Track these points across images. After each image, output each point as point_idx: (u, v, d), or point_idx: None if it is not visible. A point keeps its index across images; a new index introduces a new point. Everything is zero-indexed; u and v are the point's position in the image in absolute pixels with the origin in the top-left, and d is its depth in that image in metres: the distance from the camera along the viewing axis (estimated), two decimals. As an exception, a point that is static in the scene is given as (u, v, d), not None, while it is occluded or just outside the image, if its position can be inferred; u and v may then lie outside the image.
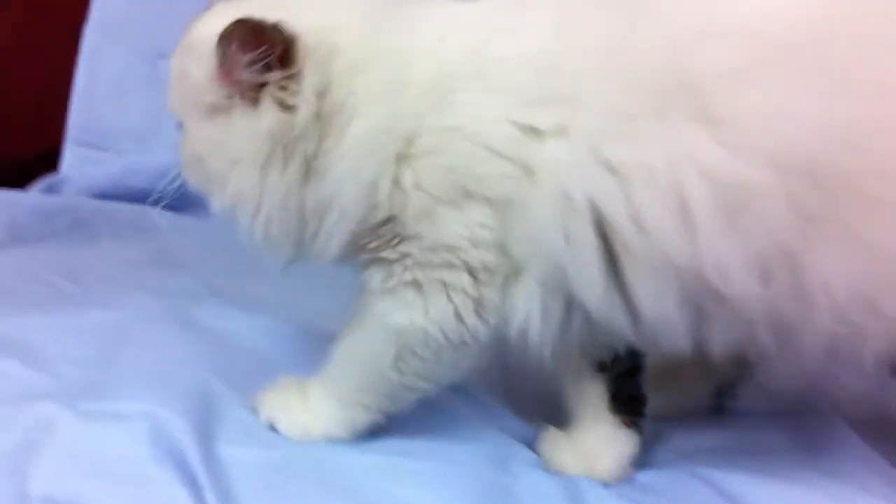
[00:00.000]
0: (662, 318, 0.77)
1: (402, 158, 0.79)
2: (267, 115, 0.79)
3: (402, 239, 0.81)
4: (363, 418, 0.88)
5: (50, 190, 1.68)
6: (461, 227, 0.79)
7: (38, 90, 1.81)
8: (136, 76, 1.79)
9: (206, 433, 0.84)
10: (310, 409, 0.89)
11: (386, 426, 0.90)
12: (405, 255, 0.82)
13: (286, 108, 0.79)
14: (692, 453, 0.94)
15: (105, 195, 1.65)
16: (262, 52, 0.77)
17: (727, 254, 0.73)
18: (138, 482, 0.77)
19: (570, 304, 0.80)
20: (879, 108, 0.71)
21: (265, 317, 1.14)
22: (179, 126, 0.86)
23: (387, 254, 0.82)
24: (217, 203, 0.85)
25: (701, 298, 0.76)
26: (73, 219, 1.54)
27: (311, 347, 0.97)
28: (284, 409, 0.89)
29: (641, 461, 0.91)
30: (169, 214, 1.59)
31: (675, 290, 0.76)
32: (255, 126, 0.80)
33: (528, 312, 0.81)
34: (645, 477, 0.90)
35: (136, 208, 1.60)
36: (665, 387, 0.99)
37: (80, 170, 1.72)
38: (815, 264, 0.72)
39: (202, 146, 0.83)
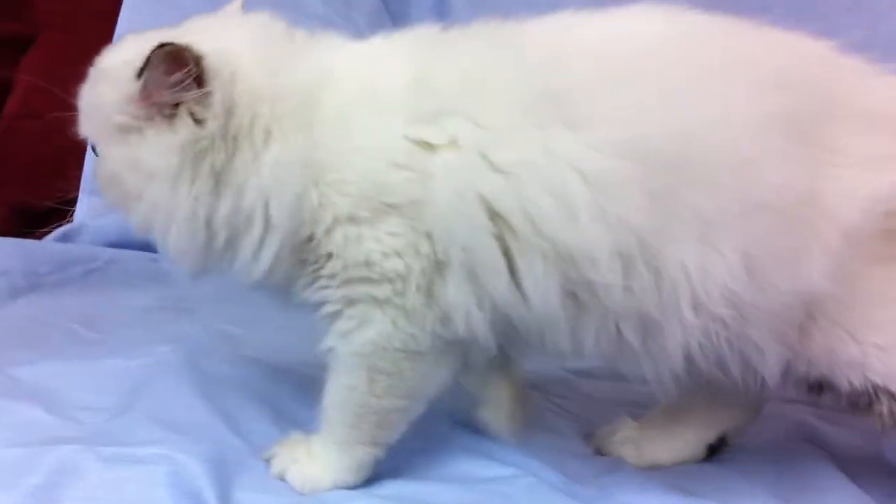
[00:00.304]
0: (547, 309, 0.84)
1: (316, 181, 0.86)
2: (182, 129, 0.85)
3: (326, 258, 0.87)
4: (364, 456, 0.91)
5: (65, 239, 1.71)
6: (371, 241, 0.86)
7: (54, 143, 1.84)
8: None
9: (221, 478, 0.87)
10: (315, 460, 0.91)
11: (391, 472, 0.92)
12: (333, 275, 0.87)
13: (198, 122, 0.85)
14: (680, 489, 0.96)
15: (118, 244, 1.69)
16: (185, 73, 0.83)
17: (597, 241, 0.81)
18: (156, 524, 0.79)
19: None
20: (702, 110, 0.82)
21: (275, 364, 1.16)
22: (93, 149, 0.92)
23: (320, 273, 0.88)
24: (134, 219, 0.89)
25: (578, 289, 0.84)
26: (88, 267, 1.58)
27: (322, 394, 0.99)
28: (293, 463, 0.92)
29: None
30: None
31: (557, 280, 0.83)
32: (169, 141, 0.85)
33: (466, 307, 0.86)
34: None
35: (148, 257, 1.63)
36: (665, 434, 1.03)
37: (93, 220, 1.75)
38: (673, 255, 0.81)
39: (118, 165, 0.88)
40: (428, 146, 0.85)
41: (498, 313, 0.86)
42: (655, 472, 0.99)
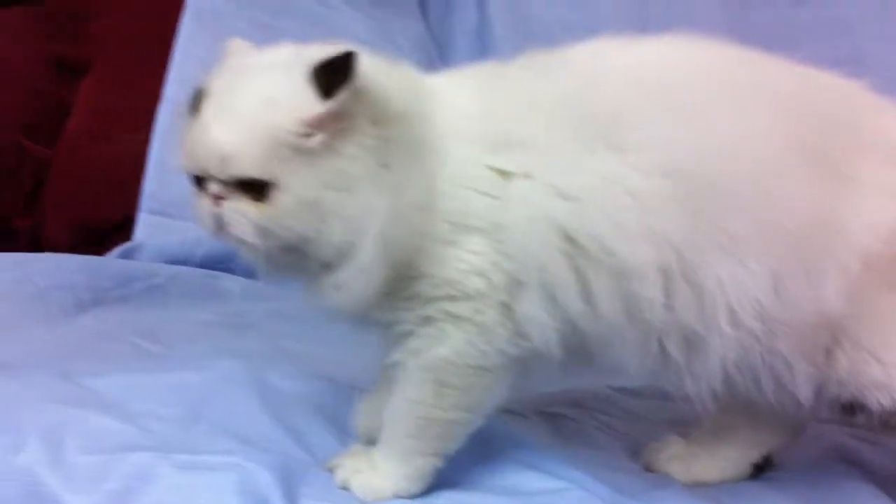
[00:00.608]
0: (614, 320, 0.89)
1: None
2: (366, 134, 0.86)
3: (413, 279, 0.90)
4: (424, 466, 0.94)
5: (125, 256, 1.76)
6: (458, 260, 0.90)
7: (116, 163, 1.91)
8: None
9: (288, 487, 0.89)
10: (377, 470, 0.95)
11: (446, 484, 0.96)
12: (417, 295, 0.91)
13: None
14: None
15: (178, 261, 1.73)
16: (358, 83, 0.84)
17: (645, 257, 0.86)
18: (227, 529, 0.82)
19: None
20: (730, 137, 0.88)
21: (335, 379, 1.20)
22: (265, 189, 0.84)
23: (402, 294, 0.91)
24: (326, 245, 0.86)
25: (630, 304, 0.88)
26: (150, 283, 1.61)
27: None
28: (356, 472, 0.95)
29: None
30: (239, 280, 1.70)
31: (621, 296, 0.88)
32: (363, 144, 0.86)
33: (542, 321, 0.90)
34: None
35: (206, 273, 1.69)
36: (712, 452, 1.07)
37: (153, 237, 1.80)
38: (710, 269, 0.86)
39: (313, 189, 0.84)
40: (504, 174, 0.90)
41: (569, 326, 0.91)
42: (701, 489, 1.02)
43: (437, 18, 2.28)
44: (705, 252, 0.86)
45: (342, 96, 0.83)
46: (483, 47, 2.12)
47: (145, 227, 1.83)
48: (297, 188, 0.84)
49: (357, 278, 0.88)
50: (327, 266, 0.89)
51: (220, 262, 1.71)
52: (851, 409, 0.95)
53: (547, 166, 0.89)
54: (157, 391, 1.10)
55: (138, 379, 1.13)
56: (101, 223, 1.90)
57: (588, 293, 0.89)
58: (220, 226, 0.87)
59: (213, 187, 0.86)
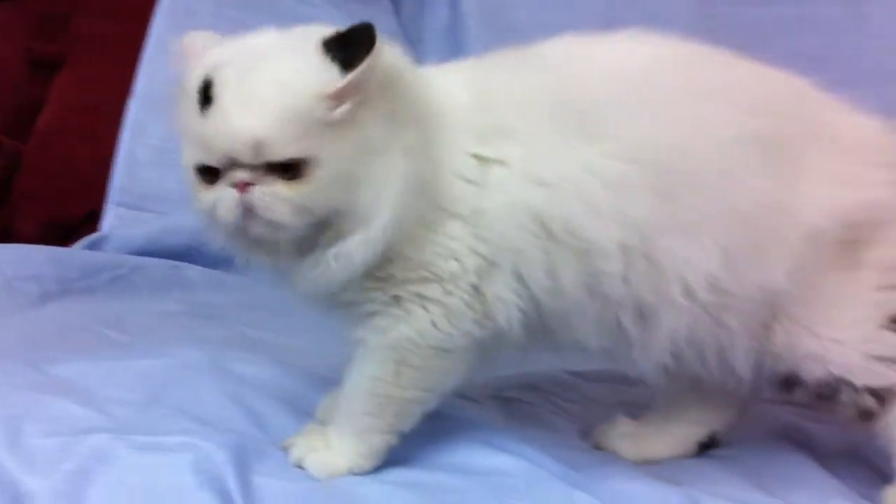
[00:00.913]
0: (578, 300, 0.94)
1: None
2: (384, 100, 0.89)
3: (389, 261, 0.93)
4: (380, 443, 0.97)
5: (92, 247, 1.77)
6: (435, 244, 0.93)
7: (85, 157, 1.94)
8: (174, 145, 1.90)
9: (242, 465, 0.90)
10: (332, 447, 0.97)
11: (398, 461, 0.98)
12: (390, 276, 0.94)
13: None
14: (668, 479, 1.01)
15: (143, 252, 1.75)
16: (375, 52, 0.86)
17: (610, 236, 0.91)
18: (183, 506, 0.84)
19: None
20: (690, 127, 0.94)
21: (294, 365, 1.21)
22: (305, 166, 0.86)
23: (376, 274, 0.93)
24: (361, 206, 0.88)
25: (592, 280, 0.93)
26: (115, 273, 1.63)
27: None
28: (311, 451, 0.97)
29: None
30: (203, 270, 1.72)
31: (582, 271, 0.93)
32: (383, 109, 0.89)
33: (509, 302, 0.94)
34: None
35: (171, 264, 1.71)
36: (660, 431, 1.11)
37: (119, 229, 1.82)
38: (667, 247, 0.91)
39: (347, 160, 0.87)
40: (485, 161, 0.94)
41: (533, 305, 0.95)
42: (648, 466, 1.06)
43: (410, 16, 2.31)
44: (665, 230, 0.92)
45: (363, 66, 0.85)
46: (455, 45, 2.15)
47: (113, 219, 1.85)
48: (332, 161, 0.86)
49: (360, 249, 0.90)
50: (337, 238, 0.90)
51: (185, 254, 1.73)
52: (789, 385, 0.99)
53: (527, 155, 0.93)
54: (120, 377, 1.11)
55: (102, 366, 1.14)
56: (69, 217, 1.92)
57: (554, 272, 0.93)
58: (249, 212, 0.87)
59: (241, 175, 0.86)
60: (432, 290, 0.94)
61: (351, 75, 0.86)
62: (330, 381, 1.10)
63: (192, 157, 0.89)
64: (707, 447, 1.11)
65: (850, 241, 0.96)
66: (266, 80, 0.86)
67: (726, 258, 0.92)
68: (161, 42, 1.99)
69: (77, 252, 1.74)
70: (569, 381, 1.30)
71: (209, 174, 0.89)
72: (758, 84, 0.99)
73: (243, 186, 0.86)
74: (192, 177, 0.91)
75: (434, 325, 0.94)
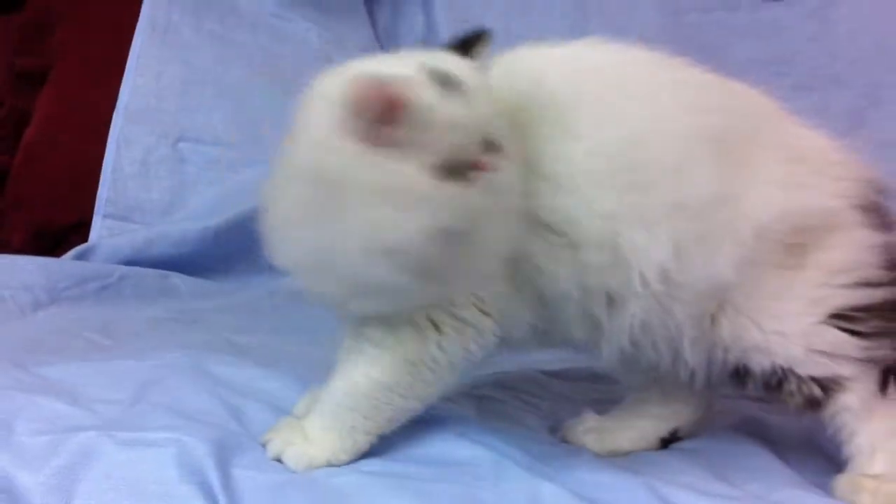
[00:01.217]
0: (567, 294, 0.99)
1: None
2: None
3: None
4: (364, 442, 1.00)
5: (80, 257, 1.82)
6: None
7: (72, 169, 1.98)
8: (159, 156, 1.98)
9: (223, 459, 0.93)
10: (312, 442, 0.99)
11: (374, 452, 1.01)
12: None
13: None
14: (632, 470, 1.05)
15: (130, 262, 1.80)
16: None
17: (595, 229, 0.97)
18: (166, 499, 0.86)
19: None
20: (646, 125, 0.98)
21: (276, 367, 1.24)
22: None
23: None
24: None
25: (581, 274, 0.98)
26: (103, 283, 1.68)
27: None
28: (288, 445, 0.99)
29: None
30: (188, 279, 1.76)
31: (575, 266, 0.98)
32: None
33: (521, 313, 1.00)
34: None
35: (158, 273, 1.76)
36: (625, 426, 1.15)
37: (106, 239, 1.87)
38: (628, 237, 0.96)
39: None
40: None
41: (537, 310, 1.01)
42: (613, 458, 1.10)
43: (385, 26, 2.36)
44: (626, 222, 0.96)
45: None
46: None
47: (100, 230, 1.89)
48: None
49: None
50: None
51: (170, 263, 1.78)
52: (740, 376, 1.04)
53: (528, 154, 0.96)
54: (106, 378, 1.14)
55: (89, 368, 1.18)
56: (57, 227, 1.95)
57: (555, 270, 0.98)
58: (493, 193, 0.89)
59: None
60: (471, 314, 0.99)
61: None
62: (309, 382, 1.13)
63: (441, 144, 0.88)
64: (669, 442, 1.15)
65: (798, 244, 1.00)
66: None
67: (678, 250, 0.97)
68: (143, 56, 2.04)
69: (66, 262, 1.78)
70: (539, 379, 1.35)
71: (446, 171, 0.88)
72: (712, 90, 1.04)
73: (485, 167, 0.89)
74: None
75: (465, 347, 0.99)
